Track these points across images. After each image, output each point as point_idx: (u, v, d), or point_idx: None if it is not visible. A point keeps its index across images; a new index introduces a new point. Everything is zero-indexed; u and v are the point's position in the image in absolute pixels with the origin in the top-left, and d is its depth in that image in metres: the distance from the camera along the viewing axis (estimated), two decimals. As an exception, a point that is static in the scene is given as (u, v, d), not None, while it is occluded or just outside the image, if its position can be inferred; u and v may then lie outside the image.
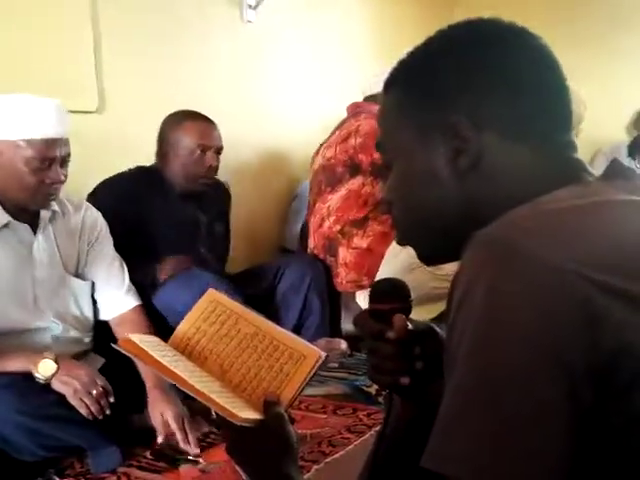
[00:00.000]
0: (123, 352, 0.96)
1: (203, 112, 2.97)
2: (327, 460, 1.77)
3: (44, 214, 1.96)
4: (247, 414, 0.92)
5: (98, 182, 2.47)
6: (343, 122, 2.89)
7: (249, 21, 3.28)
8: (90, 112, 2.60)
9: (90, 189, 2.45)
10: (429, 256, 0.84)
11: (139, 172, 2.50)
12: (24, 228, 1.93)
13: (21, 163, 1.82)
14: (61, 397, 1.77)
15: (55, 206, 1.99)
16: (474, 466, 0.58)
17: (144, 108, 2.69)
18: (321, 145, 2.95)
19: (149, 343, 0.98)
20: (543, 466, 0.56)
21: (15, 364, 1.77)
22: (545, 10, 3.95)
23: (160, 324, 2.20)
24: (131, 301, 2.14)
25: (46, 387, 1.77)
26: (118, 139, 2.65)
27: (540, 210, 0.66)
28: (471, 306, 0.60)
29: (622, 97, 4.06)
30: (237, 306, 1.05)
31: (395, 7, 4.09)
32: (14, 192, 1.87)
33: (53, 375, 1.76)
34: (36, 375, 1.76)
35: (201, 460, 1.79)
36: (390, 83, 0.82)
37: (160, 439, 1.86)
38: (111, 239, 2.16)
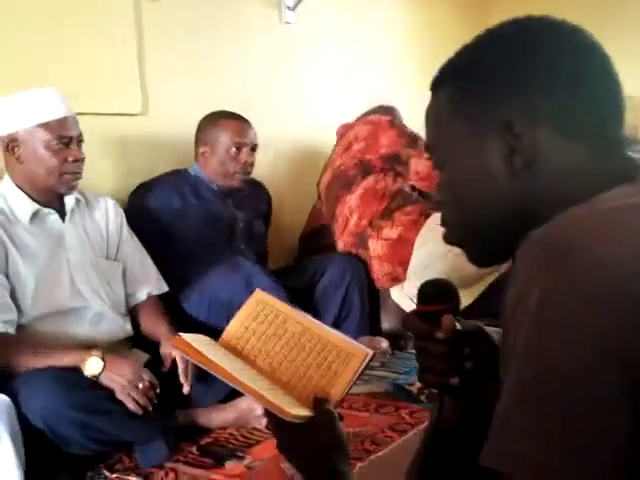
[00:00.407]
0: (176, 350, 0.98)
1: (241, 112, 3.02)
2: (371, 458, 1.78)
3: (68, 201, 2.08)
4: (297, 410, 0.93)
5: (142, 178, 2.56)
6: (339, 139, 3.02)
7: (287, 22, 3.30)
8: (134, 115, 2.65)
9: (132, 186, 2.54)
10: (481, 257, 0.83)
11: (174, 174, 2.58)
12: (53, 215, 2.05)
13: (42, 148, 1.96)
14: (110, 392, 1.82)
15: (77, 194, 2.11)
16: (530, 464, 0.58)
17: (186, 110, 2.73)
18: (325, 166, 3.04)
19: (200, 342, 1.00)
20: (600, 465, 0.56)
21: (64, 360, 1.83)
22: (580, 11, 3.89)
23: (198, 315, 2.31)
24: (151, 289, 2.24)
25: (96, 382, 1.82)
26: (161, 140, 2.70)
27: (595, 210, 0.66)
28: (527, 305, 0.60)
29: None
30: (284, 305, 1.07)
31: (432, 13, 4.08)
32: (43, 179, 1.99)
33: (101, 372, 1.81)
34: (84, 372, 1.82)
35: (247, 456, 1.82)
36: (439, 82, 0.81)
37: (164, 369, 2.00)
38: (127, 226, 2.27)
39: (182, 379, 1.97)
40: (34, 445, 1.69)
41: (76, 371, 1.82)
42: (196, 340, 1.01)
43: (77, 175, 2.04)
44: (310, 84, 3.39)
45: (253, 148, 2.57)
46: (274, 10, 3.26)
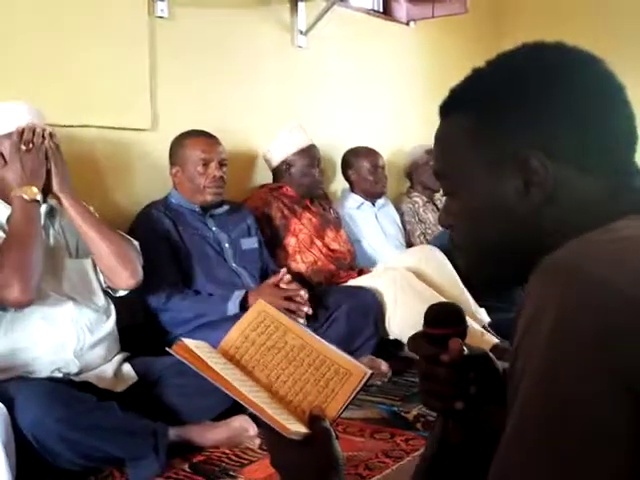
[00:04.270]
0: (177, 357, 0.97)
1: (254, 134, 3.04)
2: (364, 483, 1.76)
3: (43, 207, 2.06)
4: (296, 427, 0.92)
5: (148, 192, 2.63)
6: None
7: (299, 46, 3.34)
8: (143, 130, 2.67)
9: (141, 199, 2.59)
10: (491, 283, 0.84)
11: (161, 202, 2.61)
12: None
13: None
14: (102, 404, 1.81)
15: (50, 202, 2.10)
16: None
17: (195, 128, 2.75)
18: None
19: (201, 349, 0.99)
20: None
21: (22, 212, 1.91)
22: (593, 39, 3.91)
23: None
24: None
25: (87, 391, 1.82)
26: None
27: (608, 237, 0.66)
28: (538, 333, 0.59)
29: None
30: (285, 318, 1.06)
31: (443, 40, 4.13)
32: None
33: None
34: (24, 197, 1.92)
35: (239, 476, 1.80)
36: (452, 106, 0.81)
37: None
38: None
39: None
40: (25, 455, 1.67)
41: (65, 382, 1.83)
42: (198, 346, 0.99)
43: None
44: (320, 108, 3.42)
45: (221, 162, 2.61)
46: (287, 34, 3.30)
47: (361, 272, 3.04)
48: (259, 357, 1.02)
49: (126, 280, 2.11)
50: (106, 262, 2.08)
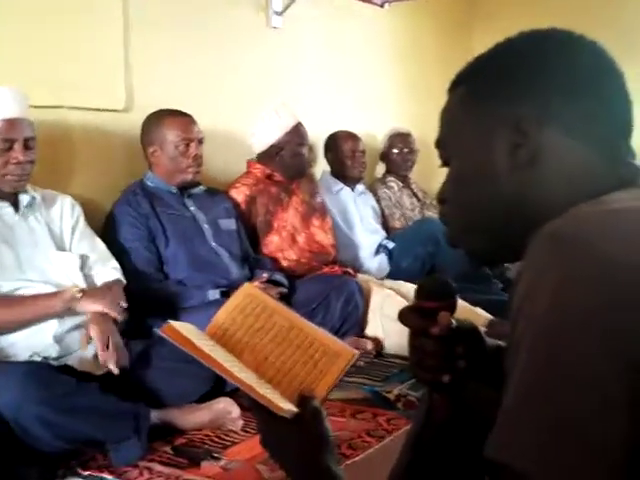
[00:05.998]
0: (166, 338, 0.96)
1: (229, 115, 3.01)
2: (348, 462, 1.77)
3: (22, 198, 2.07)
4: (287, 405, 0.92)
5: (123, 174, 2.60)
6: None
7: (275, 27, 3.31)
8: (117, 111, 2.63)
9: (116, 181, 2.56)
10: (481, 256, 0.84)
11: (136, 190, 2.56)
12: (7, 209, 2.05)
13: None
14: (82, 386, 1.80)
15: (33, 192, 2.10)
16: (537, 458, 0.57)
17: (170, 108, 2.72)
18: None
19: (190, 331, 0.98)
20: (605, 461, 0.56)
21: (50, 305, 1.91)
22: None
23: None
24: (112, 274, 2.20)
25: (66, 374, 1.80)
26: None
27: (605, 209, 0.66)
28: (538, 300, 0.59)
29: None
30: (272, 301, 1.06)
31: (418, 23, 4.13)
32: None
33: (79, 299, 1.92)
34: (67, 295, 1.92)
35: (223, 457, 1.80)
36: (457, 82, 0.83)
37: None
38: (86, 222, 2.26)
39: (101, 358, 1.91)
40: (5, 438, 1.65)
41: (45, 365, 1.82)
42: (186, 329, 0.99)
43: (22, 177, 2.03)
44: (296, 88, 3.40)
45: (200, 141, 2.60)
46: (262, 14, 3.27)
47: (346, 272, 3.00)
48: (247, 339, 1.02)
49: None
50: None
